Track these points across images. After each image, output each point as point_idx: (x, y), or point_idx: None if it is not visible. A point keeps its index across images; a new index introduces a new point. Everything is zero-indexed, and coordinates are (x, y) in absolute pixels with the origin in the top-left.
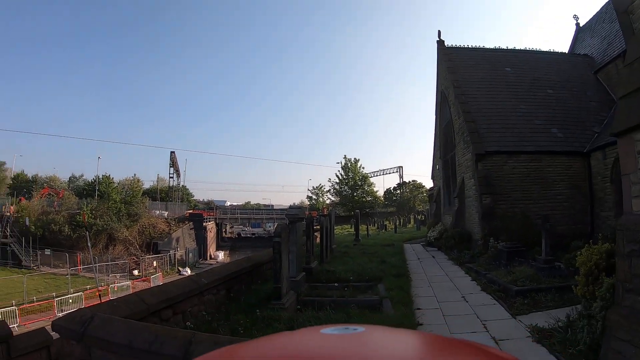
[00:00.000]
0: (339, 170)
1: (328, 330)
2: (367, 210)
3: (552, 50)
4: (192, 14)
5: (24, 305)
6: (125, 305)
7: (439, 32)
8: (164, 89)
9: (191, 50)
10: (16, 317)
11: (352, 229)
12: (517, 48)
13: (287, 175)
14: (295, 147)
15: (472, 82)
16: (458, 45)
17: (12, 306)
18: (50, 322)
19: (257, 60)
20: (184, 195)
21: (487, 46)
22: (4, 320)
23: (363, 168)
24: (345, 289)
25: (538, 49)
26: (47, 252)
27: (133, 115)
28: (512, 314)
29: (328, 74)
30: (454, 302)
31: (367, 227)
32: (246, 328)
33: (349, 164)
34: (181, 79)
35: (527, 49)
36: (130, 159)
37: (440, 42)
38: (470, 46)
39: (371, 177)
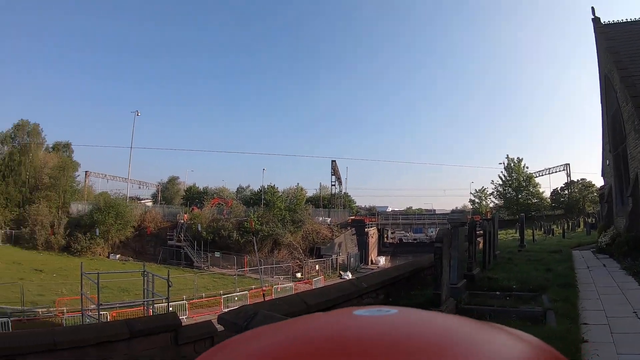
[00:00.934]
0: (501, 172)
1: (361, 311)
2: (533, 213)
3: None
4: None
5: (193, 300)
6: (286, 304)
7: (593, 8)
8: (320, 100)
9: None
10: (186, 310)
11: (517, 234)
12: None
13: (449, 179)
14: (456, 150)
15: (638, 61)
16: (616, 20)
17: (183, 300)
18: (217, 316)
19: (407, 64)
20: (346, 202)
21: None
22: (175, 312)
23: (527, 168)
24: (507, 298)
25: None
26: (217, 254)
27: (292, 127)
28: None
29: (483, 73)
30: (624, 317)
31: (533, 232)
32: None
33: (512, 164)
34: (338, 88)
35: None
36: (294, 170)
37: (596, 20)
38: (630, 19)
39: (536, 177)
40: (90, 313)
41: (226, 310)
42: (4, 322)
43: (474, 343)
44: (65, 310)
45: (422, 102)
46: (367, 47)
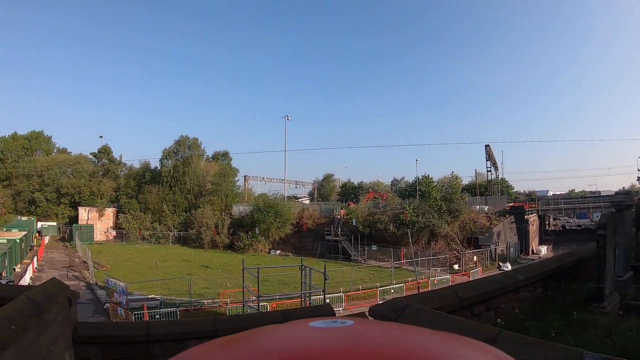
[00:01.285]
0: None
1: (316, 323)
2: None
3: None
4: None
5: (350, 293)
6: (438, 298)
7: None
8: (476, 86)
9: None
10: (342, 302)
11: None
12: None
13: (615, 156)
14: (623, 123)
15: None
16: None
17: (340, 293)
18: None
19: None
20: (503, 188)
21: None
22: (330, 303)
23: None
24: None
25: None
26: (374, 247)
27: (442, 114)
28: None
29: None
30: None
31: None
32: (559, 331)
33: None
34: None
35: None
36: (447, 158)
37: None
38: None
39: None
40: (251, 304)
41: (380, 302)
42: (173, 312)
43: (428, 355)
44: (228, 302)
45: (579, 77)
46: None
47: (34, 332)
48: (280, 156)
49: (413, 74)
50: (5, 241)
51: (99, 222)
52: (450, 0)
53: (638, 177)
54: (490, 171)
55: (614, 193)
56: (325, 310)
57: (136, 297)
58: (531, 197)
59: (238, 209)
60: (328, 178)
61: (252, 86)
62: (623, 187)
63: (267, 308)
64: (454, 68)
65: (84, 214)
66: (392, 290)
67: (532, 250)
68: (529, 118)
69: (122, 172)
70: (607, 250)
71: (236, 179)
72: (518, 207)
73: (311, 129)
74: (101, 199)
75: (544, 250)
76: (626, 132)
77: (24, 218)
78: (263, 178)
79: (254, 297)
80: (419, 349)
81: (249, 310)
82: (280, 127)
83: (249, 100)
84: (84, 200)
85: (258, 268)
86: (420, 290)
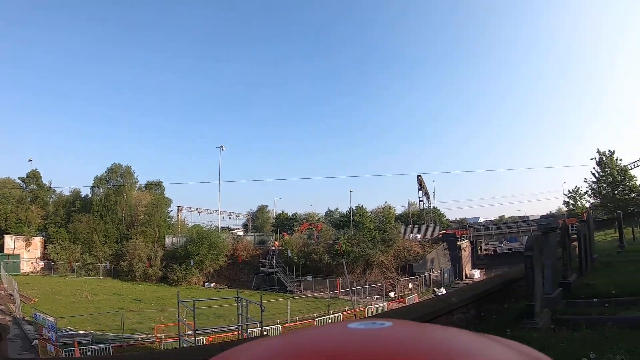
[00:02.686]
0: (593, 167)
1: (355, 324)
2: (632, 209)
3: None
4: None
5: (287, 324)
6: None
7: None
8: (406, 119)
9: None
10: (280, 334)
11: (616, 234)
12: None
13: (540, 183)
14: (546, 151)
15: None
16: None
17: (277, 325)
18: None
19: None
20: (435, 216)
21: None
22: (268, 334)
23: (620, 160)
24: (606, 305)
25: None
26: (309, 278)
27: (373, 147)
28: None
29: (564, 68)
30: None
31: (633, 230)
32: None
33: (604, 158)
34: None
35: None
36: (380, 189)
37: None
38: None
39: (631, 169)
40: (187, 338)
41: None
42: (105, 348)
43: (469, 354)
44: (163, 336)
45: (504, 106)
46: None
47: None
48: (214, 187)
49: (345, 112)
50: None
51: (25, 251)
52: (386, 45)
53: (564, 201)
54: (422, 200)
55: (539, 217)
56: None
57: (66, 332)
58: (463, 224)
59: (171, 240)
60: (262, 209)
61: (187, 114)
62: (550, 211)
63: (203, 342)
64: (380, 108)
65: (10, 242)
66: (330, 320)
67: (466, 274)
68: (459, 149)
69: (51, 199)
70: (535, 270)
71: (169, 209)
72: (450, 234)
73: (246, 160)
74: (28, 226)
75: (477, 274)
76: (553, 159)
77: None
78: (197, 209)
79: (189, 331)
80: (457, 349)
81: (185, 345)
82: (215, 157)
83: (183, 129)
84: (10, 227)
85: (194, 301)
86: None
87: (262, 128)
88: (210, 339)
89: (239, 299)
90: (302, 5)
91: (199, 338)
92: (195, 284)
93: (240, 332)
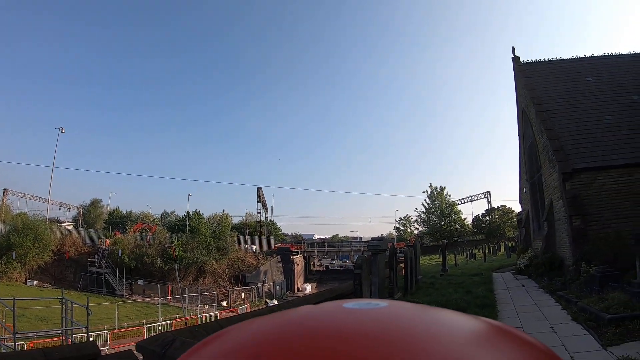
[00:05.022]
0: (425, 200)
1: (350, 304)
2: (456, 239)
3: (632, 52)
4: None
5: (115, 330)
6: (204, 331)
7: (513, 48)
8: (249, 127)
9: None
10: (107, 341)
11: (440, 259)
12: (595, 55)
13: (375, 207)
14: (382, 180)
15: (553, 97)
16: (533, 59)
17: (104, 330)
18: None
19: (340, 100)
20: (271, 229)
21: (563, 57)
22: (94, 341)
23: (449, 196)
24: None
25: (617, 53)
26: (140, 282)
27: (220, 153)
28: (603, 345)
29: (409, 108)
30: (541, 333)
31: (455, 257)
32: None
33: (435, 193)
34: (264, 118)
35: (606, 54)
36: (219, 196)
37: (516, 59)
38: (546, 59)
39: (458, 204)
40: (6, 343)
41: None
42: None
43: (462, 335)
44: None
45: (349, 135)
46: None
47: None
48: (46, 172)
49: (193, 111)
50: None
51: None
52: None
53: (395, 226)
54: (260, 212)
55: (370, 239)
56: (89, 349)
57: None
58: (297, 239)
59: None
60: (96, 203)
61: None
62: (382, 235)
63: (24, 347)
64: (227, 109)
65: None
66: (160, 328)
67: (298, 288)
68: (299, 166)
69: None
70: (363, 286)
71: None
72: (285, 248)
73: (86, 148)
74: None
75: (308, 288)
76: (389, 188)
77: None
78: (25, 194)
79: (9, 335)
80: (450, 328)
81: (3, 350)
82: (53, 139)
83: (19, 104)
84: None
85: (14, 300)
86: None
87: (106, 115)
88: (31, 345)
89: (64, 301)
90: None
91: (19, 343)
92: (17, 280)
93: (64, 337)
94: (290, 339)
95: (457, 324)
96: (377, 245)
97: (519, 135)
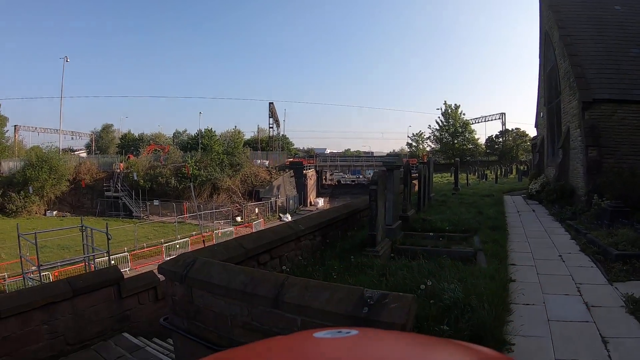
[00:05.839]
0: (439, 117)
1: (321, 334)
2: (468, 158)
3: None
4: None
5: (135, 252)
6: (225, 250)
7: None
8: (263, 40)
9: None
10: (128, 262)
11: (452, 178)
12: None
13: (387, 122)
14: (397, 95)
15: (578, 22)
16: None
17: (124, 252)
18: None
19: (358, 11)
20: (284, 144)
21: None
22: (116, 265)
23: (464, 114)
24: (440, 239)
25: None
26: (156, 202)
27: (231, 68)
28: (609, 280)
29: (428, 23)
30: (550, 260)
31: (467, 176)
32: (339, 273)
33: (449, 110)
34: (279, 30)
35: None
36: (231, 113)
37: None
38: None
39: (472, 123)
40: (31, 275)
41: (168, 259)
42: None
43: None
44: (6, 276)
45: (365, 48)
46: None
47: None
48: (56, 104)
49: (203, 26)
50: None
51: None
52: None
53: (407, 142)
54: (272, 128)
55: (385, 154)
56: (112, 273)
57: None
58: (310, 153)
59: (8, 165)
60: (107, 129)
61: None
62: (394, 150)
63: (49, 278)
64: (245, 24)
65: None
66: (178, 246)
67: (310, 202)
68: (311, 80)
69: None
70: (378, 202)
71: (5, 129)
72: (297, 163)
73: (93, 74)
74: None
75: (321, 202)
76: (402, 103)
77: None
78: (36, 128)
79: (33, 267)
80: (424, 356)
81: (30, 283)
82: (59, 70)
83: (23, 37)
84: None
85: (35, 233)
86: (206, 244)
87: (111, 39)
88: (56, 274)
89: (84, 228)
90: None
91: (44, 274)
92: (37, 213)
93: (87, 263)
94: None
95: (430, 353)
96: (393, 162)
97: (539, 58)
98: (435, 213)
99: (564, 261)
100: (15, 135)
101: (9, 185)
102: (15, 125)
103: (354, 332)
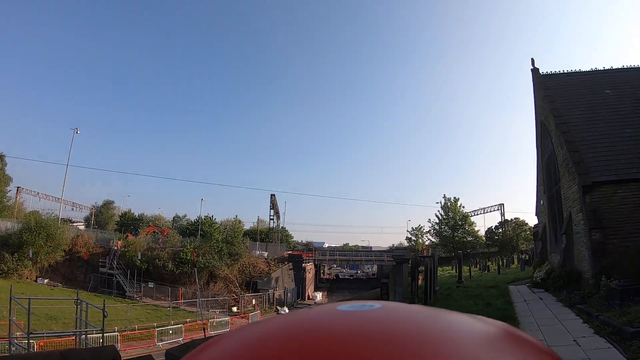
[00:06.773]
0: (438, 210)
1: (345, 307)
2: (469, 250)
3: None
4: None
5: (126, 332)
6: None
7: (532, 60)
8: (265, 132)
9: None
10: (118, 343)
11: (453, 270)
12: (614, 68)
13: (386, 217)
14: (395, 189)
15: (572, 109)
16: (553, 71)
17: (115, 332)
18: (150, 350)
19: (358, 108)
20: (283, 236)
21: (583, 69)
22: (114, 344)
23: (463, 207)
24: None
25: (636, 66)
26: (151, 285)
27: (235, 159)
28: (628, 359)
29: (424, 117)
30: (565, 346)
31: (469, 269)
32: None
33: (449, 204)
34: (286, 126)
35: (625, 67)
36: (232, 202)
37: (535, 70)
38: (565, 71)
39: (471, 216)
40: (16, 340)
41: (160, 344)
42: None
43: (456, 334)
44: None
45: (363, 145)
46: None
47: None
48: (60, 171)
49: (213, 120)
50: None
51: None
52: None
53: (406, 236)
54: (272, 219)
55: (386, 248)
56: (110, 353)
57: None
58: (309, 247)
59: (5, 225)
60: (108, 204)
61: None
62: (393, 245)
63: (34, 347)
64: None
65: None
66: (171, 332)
67: (308, 296)
68: (313, 174)
69: None
70: (389, 295)
71: (8, 188)
72: (296, 256)
73: (100, 148)
74: None
75: (319, 296)
76: (401, 198)
77: None
78: (38, 193)
79: (18, 333)
80: (446, 327)
81: (14, 349)
82: (67, 138)
83: (35, 105)
84: None
85: (29, 299)
86: (205, 332)
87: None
88: (41, 344)
89: (79, 301)
90: None
91: (31, 342)
92: (27, 278)
93: (79, 338)
94: (287, 341)
95: (452, 322)
96: (402, 255)
97: (536, 147)
98: (442, 306)
99: (579, 345)
100: (16, 197)
101: (4, 246)
102: (18, 187)
103: (377, 305)
